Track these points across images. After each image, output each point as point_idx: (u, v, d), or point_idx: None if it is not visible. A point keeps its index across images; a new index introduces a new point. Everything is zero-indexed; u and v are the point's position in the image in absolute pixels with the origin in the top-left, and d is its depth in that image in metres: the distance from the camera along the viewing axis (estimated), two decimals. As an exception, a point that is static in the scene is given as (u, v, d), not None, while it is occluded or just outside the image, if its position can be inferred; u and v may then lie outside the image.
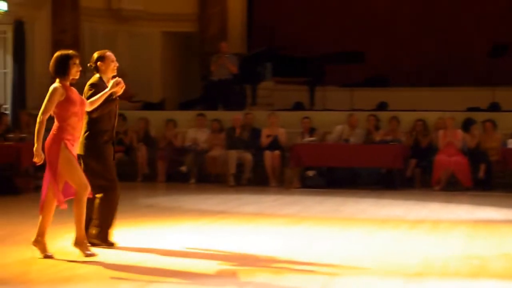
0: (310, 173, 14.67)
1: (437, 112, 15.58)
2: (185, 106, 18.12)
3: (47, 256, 6.92)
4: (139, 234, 8.48)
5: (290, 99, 17.95)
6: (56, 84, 6.91)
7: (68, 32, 17.74)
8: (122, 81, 7.33)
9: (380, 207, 11.56)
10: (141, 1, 19.15)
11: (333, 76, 18.07)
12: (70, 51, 7.08)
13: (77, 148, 7.05)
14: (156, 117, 16.30)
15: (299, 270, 6.52)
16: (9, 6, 15.78)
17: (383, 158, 14.30)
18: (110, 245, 7.53)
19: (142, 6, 19.16)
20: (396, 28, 19.47)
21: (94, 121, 7.41)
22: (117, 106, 7.63)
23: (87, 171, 7.30)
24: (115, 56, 7.66)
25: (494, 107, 16.68)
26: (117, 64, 7.65)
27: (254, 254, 7.26)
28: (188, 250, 7.49)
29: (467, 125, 14.82)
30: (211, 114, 16.20)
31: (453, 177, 14.28)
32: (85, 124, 7.40)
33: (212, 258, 7.07)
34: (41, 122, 6.82)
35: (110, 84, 7.32)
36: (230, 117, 15.64)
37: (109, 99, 7.35)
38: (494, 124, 14.76)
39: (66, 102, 6.87)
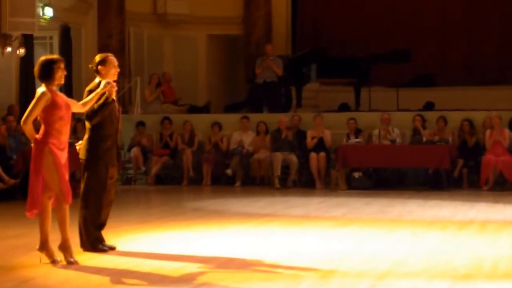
0: (356, 174, 14.65)
1: (484, 111, 15.47)
2: (230, 109, 18.19)
3: (55, 261, 6.90)
4: (185, 238, 8.49)
5: (336, 100, 17.93)
6: (43, 88, 6.89)
7: (114, 36, 17.92)
8: (113, 83, 7.31)
9: (427, 208, 11.50)
10: (186, 5, 19.29)
11: (379, 76, 17.99)
12: (55, 56, 7.09)
13: (66, 153, 6.97)
14: (201, 121, 16.43)
15: (346, 274, 6.49)
16: (55, 11, 15.97)
17: (430, 158, 14.23)
18: (111, 248, 7.59)
19: (188, 10, 19.29)
20: (442, 26, 19.36)
21: (96, 126, 7.40)
22: (119, 110, 7.63)
23: (90, 176, 7.37)
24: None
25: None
26: (119, 70, 7.57)
27: (301, 258, 7.24)
28: (234, 254, 7.47)
29: (513, 124, 14.71)
30: (256, 117, 16.26)
31: (501, 177, 14.18)
32: (88, 129, 7.45)
33: (260, 261, 7.06)
34: (27, 127, 6.81)
35: (100, 86, 7.27)
36: (275, 119, 15.67)
37: (106, 103, 7.31)
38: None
39: (52, 107, 6.85)
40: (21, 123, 6.90)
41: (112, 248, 7.57)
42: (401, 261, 6.98)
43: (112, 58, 7.54)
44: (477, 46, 19.11)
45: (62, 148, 6.92)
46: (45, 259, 6.95)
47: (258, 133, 15.75)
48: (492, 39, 19.07)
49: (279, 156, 14.86)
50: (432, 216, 10.57)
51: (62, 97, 7.01)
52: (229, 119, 16.47)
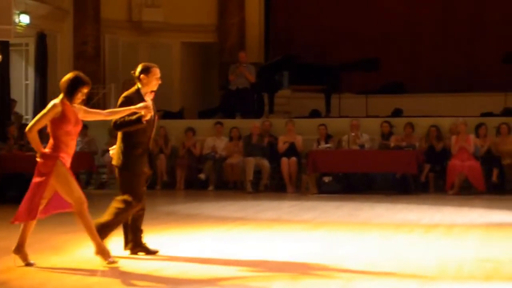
0: (326, 179, 14.79)
1: (451, 117, 15.68)
2: (204, 115, 18.24)
3: (29, 264, 6.88)
4: (160, 242, 8.37)
5: (307, 106, 18.08)
6: (57, 100, 6.85)
7: (89, 43, 17.95)
8: (150, 106, 7.13)
9: (395, 212, 11.56)
10: (161, 13, 19.33)
11: (349, 83, 18.22)
12: (86, 78, 6.97)
13: (69, 162, 6.92)
14: (175, 126, 16.49)
15: (317, 275, 6.55)
16: (31, 19, 16.01)
17: (397, 163, 14.39)
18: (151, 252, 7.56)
19: (162, 17, 19.34)
20: (411, 35, 19.58)
21: (129, 133, 7.25)
22: (156, 118, 7.48)
23: (124, 182, 7.32)
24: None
25: (507, 112, 16.79)
26: (160, 82, 7.44)
27: (273, 260, 7.29)
28: (208, 256, 7.51)
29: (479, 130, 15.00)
30: (229, 123, 16.34)
31: (467, 182, 14.39)
32: (121, 135, 7.34)
33: (232, 264, 7.08)
34: (31, 135, 6.75)
35: (138, 105, 7.10)
36: (248, 125, 15.78)
37: (137, 122, 7.11)
38: (509, 127, 14.90)
39: (60, 120, 6.79)
40: (26, 130, 6.83)
41: (154, 252, 7.55)
42: (370, 264, 7.03)
43: (156, 69, 7.44)
44: (445, 54, 19.38)
45: (67, 161, 6.86)
46: (20, 261, 6.91)
47: (231, 138, 15.86)
48: (459, 47, 19.35)
49: (251, 161, 14.98)
50: (399, 219, 10.62)
51: (74, 113, 6.87)
52: (203, 125, 16.56)
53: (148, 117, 7.12)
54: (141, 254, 7.51)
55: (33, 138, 6.80)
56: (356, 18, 19.84)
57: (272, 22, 20.07)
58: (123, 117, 7.17)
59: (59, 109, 6.80)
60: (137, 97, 7.31)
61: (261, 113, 17.40)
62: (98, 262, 6.95)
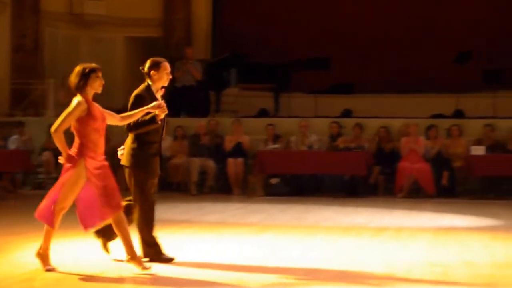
0: (274, 180, 14.73)
1: (401, 119, 15.71)
2: (147, 113, 17.96)
3: (49, 269, 6.69)
4: (97, 245, 8.16)
5: (255, 106, 17.96)
6: (80, 98, 6.63)
7: (28, 37, 17.65)
8: (164, 105, 6.95)
9: (343, 215, 11.59)
10: (104, 6, 19.03)
11: (299, 82, 18.10)
12: (93, 64, 6.81)
13: (104, 165, 6.74)
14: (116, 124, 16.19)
15: (261, 280, 6.47)
16: (-33, 10, 15.57)
17: (346, 165, 14.40)
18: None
19: (105, 10, 19.04)
20: (361, 35, 19.54)
21: (144, 132, 7.10)
22: (164, 118, 7.26)
23: (135, 182, 7.12)
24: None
25: (458, 114, 16.81)
26: (171, 76, 7.30)
27: (218, 264, 7.22)
28: (147, 260, 7.27)
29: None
30: (174, 121, 16.03)
31: (416, 184, 14.42)
32: (133, 135, 7.15)
33: (175, 268, 6.98)
34: (58, 135, 6.56)
35: (151, 105, 6.93)
36: (194, 124, 15.63)
37: (151, 122, 6.98)
38: (459, 129, 14.93)
39: (87, 117, 6.62)
40: (52, 131, 6.60)
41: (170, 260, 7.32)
42: (317, 268, 7.00)
43: (166, 64, 7.25)
44: (395, 55, 19.34)
45: (99, 161, 6.68)
46: (42, 265, 6.72)
47: (175, 137, 15.66)
48: (410, 48, 19.32)
49: (196, 162, 14.79)
50: (347, 222, 10.65)
51: (98, 108, 6.76)
52: (146, 123, 16.29)
53: (162, 116, 7.00)
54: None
55: (60, 139, 6.61)
56: (307, 16, 19.74)
57: (220, 17, 19.92)
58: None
59: (85, 106, 6.61)
60: (149, 95, 7.14)
61: (207, 111, 17.25)
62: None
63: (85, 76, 6.68)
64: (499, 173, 14.28)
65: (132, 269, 6.70)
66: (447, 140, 14.96)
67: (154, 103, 6.94)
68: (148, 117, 6.97)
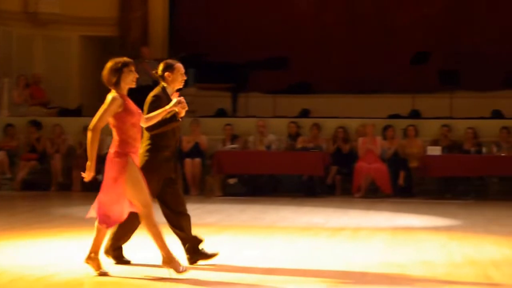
0: (231, 181, 14.70)
1: (358, 119, 15.75)
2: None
3: (102, 274, 6.54)
4: (52, 246, 8.27)
5: (213, 105, 17.88)
6: (114, 93, 6.51)
7: (-20, 36, 17.36)
8: (184, 101, 6.86)
9: (301, 215, 11.59)
10: (58, 5, 18.78)
11: (257, 82, 18.07)
12: (125, 58, 6.69)
13: (137, 160, 6.61)
14: (72, 124, 16.06)
15: (219, 280, 6.44)
16: None
17: (304, 165, 14.41)
18: (126, 262, 7.18)
19: (60, 9, 18.79)
20: (319, 35, 19.57)
21: (159, 136, 6.96)
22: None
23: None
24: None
25: (415, 114, 16.90)
26: (185, 77, 7.24)
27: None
28: (103, 261, 7.14)
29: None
30: (130, 121, 15.97)
31: (373, 184, 14.47)
32: (147, 137, 6.96)
33: (129, 269, 6.92)
34: (95, 133, 6.40)
35: (171, 102, 6.84)
36: (151, 123, 15.43)
37: (173, 120, 6.89)
38: (416, 129, 15.02)
39: (125, 113, 6.48)
40: (90, 128, 6.41)
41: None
42: (274, 268, 6.97)
43: (180, 66, 7.23)
44: (353, 55, 19.39)
45: (136, 158, 6.54)
46: (93, 270, 6.57)
47: (132, 137, 15.50)
48: (368, 49, 19.37)
49: (152, 162, 14.63)
50: (305, 222, 10.65)
51: (133, 103, 6.61)
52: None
53: (183, 114, 6.90)
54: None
55: (94, 137, 6.44)
56: (264, 16, 19.71)
57: (177, 17, 19.79)
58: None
59: (120, 101, 6.48)
60: (165, 96, 7.06)
61: (164, 112, 16.99)
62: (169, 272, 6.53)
63: (118, 71, 6.57)
64: (455, 173, 14.39)
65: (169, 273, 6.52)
66: (404, 141, 15.05)
67: (174, 100, 6.85)
68: (169, 115, 6.87)
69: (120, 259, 7.17)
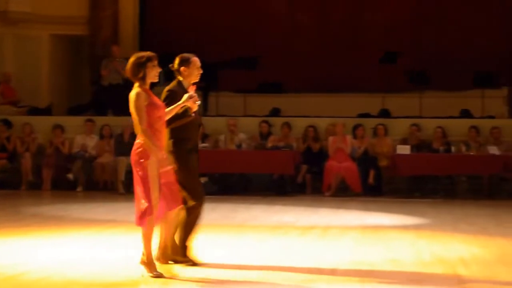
0: (202, 179, 14.57)
1: (329, 118, 15.79)
2: (73, 111, 17.79)
3: (157, 275, 6.48)
4: (22, 245, 8.21)
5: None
6: (137, 89, 6.54)
7: None
8: (195, 96, 6.90)
9: (271, 213, 11.60)
10: (29, 3, 18.61)
11: (227, 81, 18.05)
12: (148, 53, 6.68)
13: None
14: (42, 123, 15.98)
15: (188, 279, 6.44)
16: None
17: (274, 164, 14.40)
18: (191, 262, 7.13)
19: (30, 8, 18.61)
20: (290, 34, 19.57)
21: (180, 128, 6.99)
22: (200, 113, 7.24)
23: (180, 181, 6.95)
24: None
25: (384, 113, 16.99)
26: (201, 71, 7.21)
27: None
28: (73, 260, 7.26)
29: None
30: (100, 120, 15.99)
31: (343, 183, 14.50)
32: (169, 132, 6.97)
33: (98, 269, 6.88)
34: (147, 133, 6.42)
35: (183, 98, 6.86)
36: (121, 122, 15.41)
37: (185, 115, 6.92)
38: (385, 128, 15.09)
39: (151, 107, 6.51)
40: (142, 130, 6.42)
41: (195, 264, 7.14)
42: (245, 266, 6.98)
43: (196, 59, 7.20)
44: (323, 54, 19.42)
45: (161, 149, 6.55)
46: (148, 273, 6.51)
47: (102, 136, 15.48)
48: (338, 48, 19.42)
49: (123, 161, 14.60)
50: (275, 221, 10.64)
51: (156, 97, 6.64)
52: (73, 122, 16.11)
53: (195, 108, 6.93)
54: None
55: (150, 134, 6.45)
56: (235, 16, 19.68)
57: (147, 16, 19.71)
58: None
59: (144, 95, 6.53)
60: (181, 91, 7.05)
61: (134, 111, 16.94)
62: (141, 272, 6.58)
63: (143, 66, 6.57)
64: (425, 172, 14.48)
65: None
66: (374, 139, 15.11)
67: (186, 95, 6.88)
68: (181, 110, 6.90)
69: (188, 259, 7.12)
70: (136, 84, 6.60)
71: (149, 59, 6.62)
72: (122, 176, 14.55)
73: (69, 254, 7.66)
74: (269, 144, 14.87)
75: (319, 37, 19.66)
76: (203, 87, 17.40)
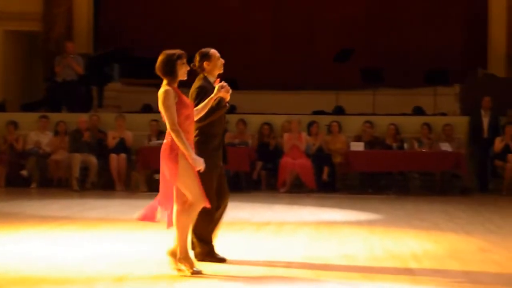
0: (157, 176, 14.48)
1: (284, 115, 15.85)
2: (27, 107, 17.62)
3: (196, 272, 6.41)
4: None
5: (139, 101, 17.76)
6: (166, 87, 6.44)
7: None
8: (226, 85, 6.82)
9: (226, 209, 11.45)
10: (-18, -1, 18.44)
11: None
12: (177, 51, 6.57)
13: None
14: (-5, 119, 15.82)
15: (142, 276, 6.42)
16: None
17: (230, 160, 14.32)
18: (221, 260, 7.06)
19: (-17, 4, 18.46)
20: (245, 31, 19.61)
21: (208, 124, 6.95)
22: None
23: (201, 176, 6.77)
24: None
25: (339, 110, 17.10)
26: (223, 61, 7.15)
27: (98, 261, 7.09)
28: (26, 258, 7.19)
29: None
30: (55, 116, 15.88)
31: (298, 180, 14.56)
32: (196, 127, 6.89)
33: (52, 266, 6.82)
34: (178, 131, 6.30)
35: (215, 89, 6.81)
36: (75, 119, 15.34)
37: (220, 106, 6.90)
38: (339, 125, 15.20)
39: (180, 105, 6.40)
40: (172, 131, 6.30)
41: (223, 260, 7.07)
42: (197, 262, 6.84)
43: (214, 51, 7.13)
44: (278, 51, 19.52)
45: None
46: (185, 270, 6.46)
47: (56, 133, 15.37)
48: (293, 45, 19.52)
49: (77, 157, 14.54)
50: (231, 217, 10.35)
51: (184, 96, 6.53)
52: (26, 118, 15.96)
53: (228, 98, 6.92)
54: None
55: (180, 132, 6.33)
56: (190, 12, 19.67)
57: (101, 12, 19.60)
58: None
59: (173, 93, 6.42)
60: (209, 85, 7.01)
61: (89, 107, 17.00)
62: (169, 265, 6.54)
63: (173, 64, 6.49)
64: (378, 168, 14.62)
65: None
66: (328, 136, 15.21)
67: (217, 86, 6.83)
68: (215, 103, 6.85)
69: (214, 257, 7.08)
70: (165, 82, 6.52)
71: (179, 56, 6.54)
72: (76, 172, 14.46)
73: (24, 251, 7.59)
74: (225, 141, 14.87)
75: (274, 35, 19.73)
76: (158, 84, 17.36)
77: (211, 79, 7.12)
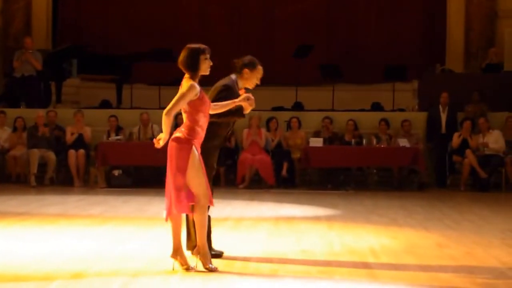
0: (116, 172, 14.52)
1: (244, 111, 15.82)
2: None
3: (211, 269, 6.42)
4: None
5: (97, 96, 17.68)
6: (191, 80, 6.39)
7: None
8: (253, 98, 6.80)
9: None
10: None
11: (141, 74, 17.94)
12: (201, 45, 6.54)
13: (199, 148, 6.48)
14: (-48, 115, 15.55)
15: (100, 272, 6.41)
16: None
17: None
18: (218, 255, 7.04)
19: None
20: (203, 27, 19.58)
21: (215, 123, 6.86)
22: None
23: None
24: None
25: (298, 106, 17.16)
26: (259, 83, 7.15)
27: (55, 257, 7.05)
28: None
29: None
30: (13, 112, 15.71)
31: (257, 175, 14.59)
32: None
33: (10, 262, 6.79)
34: (168, 118, 6.31)
35: (241, 97, 6.80)
36: (33, 115, 15.19)
37: (238, 113, 6.86)
38: (299, 121, 15.26)
39: (199, 102, 6.39)
40: (165, 112, 6.27)
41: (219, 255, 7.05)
42: (156, 259, 6.96)
43: (261, 68, 7.14)
44: (237, 47, 19.49)
45: (199, 144, 6.44)
46: (179, 266, 6.43)
47: (15, 128, 15.22)
48: (252, 41, 19.54)
49: (35, 153, 14.41)
50: None
51: (204, 92, 6.49)
52: (-16, 114, 15.77)
53: (248, 110, 6.86)
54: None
55: (169, 122, 6.34)
56: (149, 8, 19.60)
57: (60, 8, 19.46)
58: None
59: (197, 89, 6.38)
60: (235, 90, 7.01)
61: (48, 102, 16.88)
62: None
63: (196, 58, 6.45)
64: (337, 164, 14.68)
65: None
66: (287, 132, 15.27)
67: (244, 95, 6.82)
68: (234, 108, 6.82)
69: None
70: (187, 76, 6.48)
71: (202, 51, 6.52)
72: (34, 168, 14.32)
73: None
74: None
75: (233, 30, 19.74)
76: (117, 79, 17.30)
77: (240, 85, 7.12)
